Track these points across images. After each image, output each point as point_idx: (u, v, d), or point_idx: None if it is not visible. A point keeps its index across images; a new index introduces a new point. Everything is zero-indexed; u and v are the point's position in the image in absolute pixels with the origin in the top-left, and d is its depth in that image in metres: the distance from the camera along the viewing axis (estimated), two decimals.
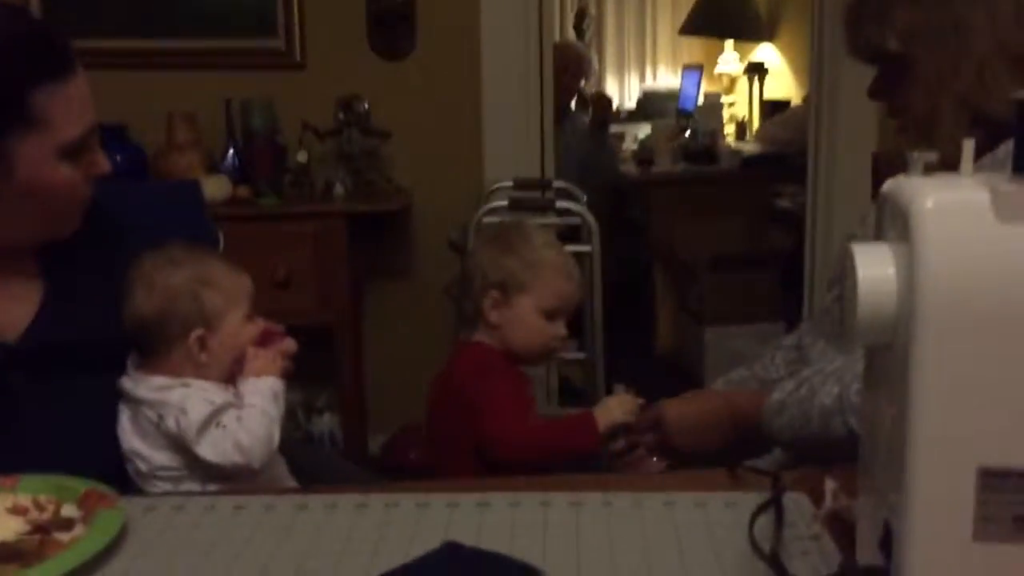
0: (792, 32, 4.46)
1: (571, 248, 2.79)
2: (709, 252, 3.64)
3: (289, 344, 1.16)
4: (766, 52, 4.63)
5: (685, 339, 3.79)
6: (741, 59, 4.74)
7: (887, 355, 0.63)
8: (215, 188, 2.59)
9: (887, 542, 0.63)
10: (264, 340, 1.14)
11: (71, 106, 1.03)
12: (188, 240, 1.27)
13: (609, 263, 3.19)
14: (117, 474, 1.07)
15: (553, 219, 2.81)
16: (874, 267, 0.61)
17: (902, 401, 0.59)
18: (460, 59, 2.87)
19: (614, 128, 4.53)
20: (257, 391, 1.09)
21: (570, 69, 3.60)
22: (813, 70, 3.09)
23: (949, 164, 0.63)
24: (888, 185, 0.64)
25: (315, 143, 2.79)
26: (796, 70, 4.44)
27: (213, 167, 2.74)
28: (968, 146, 0.61)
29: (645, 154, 4.17)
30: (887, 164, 1.98)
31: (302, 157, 2.76)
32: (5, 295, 1.09)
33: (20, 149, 1.01)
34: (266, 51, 2.80)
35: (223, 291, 1.12)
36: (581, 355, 3.00)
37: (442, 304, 3.01)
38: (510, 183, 2.81)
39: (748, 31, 4.61)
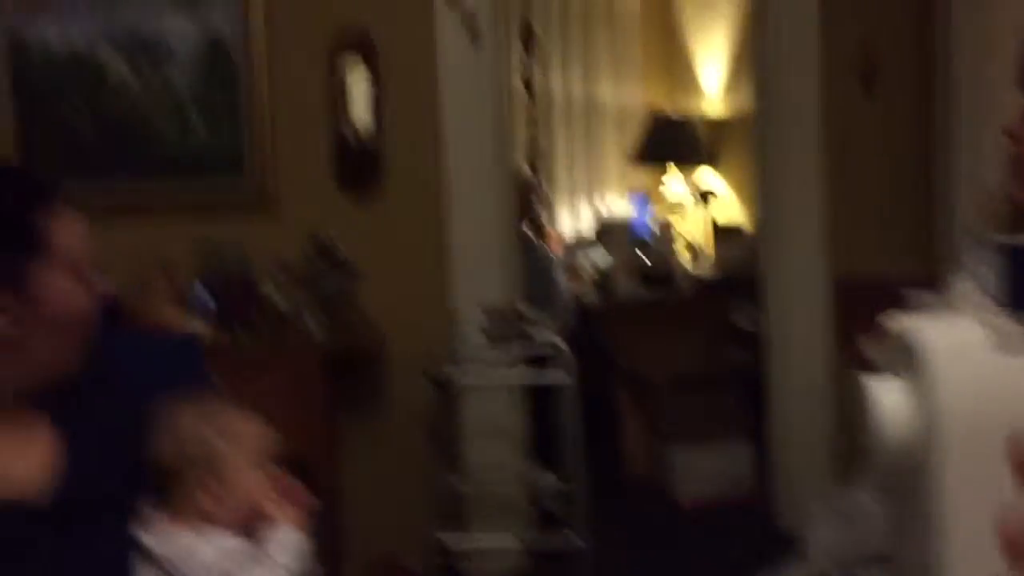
0: (734, 159, 4.69)
1: (544, 379, 2.86)
2: (667, 373, 3.73)
3: (304, 497, 1.17)
4: (710, 179, 4.84)
5: (654, 460, 3.82)
6: (687, 185, 4.94)
7: (906, 475, 0.68)
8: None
9: None
10: (281, 493, 1.15)
11: (69, 222, 1.09)
12: (187, 391, 1.30)
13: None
14: None
15: (526, 348, 2.87)
16: (888, 401, 0.67)
17: (924, 522, 0.65)
18: (426, 194, 2.98)
19: (572, 256, 4.66)
20: (278, 544, 1.10)
21: (523, 197, 3.73)
22: (759, 197, 3.26)
23: None
24: (898, 323, 0.71)
25: (287, 283, 2.84)
26: (740, 195, 4.65)
27: (187, 309, 2.76)
28: (964, 286, 0.68)
29: (604, 280, 4.28)
30: (850, 290, 2.10)
31: (275, 297, 2.80)
32: (21, 450, 1.10)
33: (39, 276, 1.05)
34: (235, 194, 2.88)
35: (235, 440, 1.15)
36: (560, 484, 3.02)
37: (416, 435, 3.02)
38: (480, 312, 2.87)
39: (692, 159, 4.83)
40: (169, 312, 2.70)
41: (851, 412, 0.72)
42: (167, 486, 1.13)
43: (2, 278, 1.03)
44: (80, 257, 1.09)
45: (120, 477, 1.15)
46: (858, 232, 3.05)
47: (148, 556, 1.11)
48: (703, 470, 3.59)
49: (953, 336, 0.65)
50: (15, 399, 1.10)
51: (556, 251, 4.38)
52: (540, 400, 3.21)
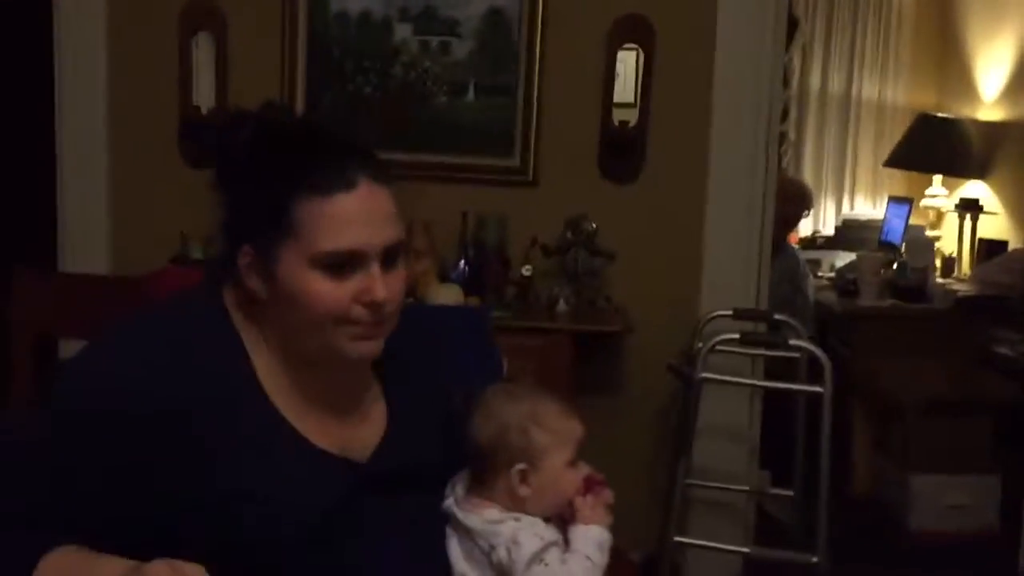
0: (1009, 170, 4.33)
1: (798, 387, 2.76)
2: (916, 393, 3.51)
3: (608, 495, 1.19)
4: (976, 189, 4.50)
5: (885, 483, 3.63)
6: (949, 194, 4.62)
7: None
8: (448, 296, 2.71)
9: None
10: (587, 487, 1.18)
11: (328, 222, 1.04)
12: (478, 365, 1.34)
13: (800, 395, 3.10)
14: None
15: (778, 353, 2.79)
16: None
17: None
18: (686, 186, 2.94)
19: (811, 254, 4.49)
20: (585, 537, 1.13)
21: (793, 202, 3.62)
22: None
23: None
24: None
25: (540, 258, 2.88)
26: (1012, 210, 4.29)
27: (444, 275, 2.87)
28: None
29: (847, 285, 4.09)
30: None
31: (527, 271, 2.86)
32: (358, 414, 1.17)
33: (279, 253, 1.06)
34: (502, 168, 2.94)
35: (552, 432, 1.17)
36: (789, 492, 2.93)
37: (649, 425, 3.01)
38: (727, 312, 2.81)
39: (958, 167, 4.51)
40: (425, 270, 2.80)
41: None
42: (483, 466, 1.17)
43: (255, 244, 1.07)
44: (326, 250, 1.04)
45: (435, 445, 1.20)
46: None
47: (456, 525, 1.16)
48: (943, 501, 3.38)
49: None
50: (359, 369, 1.17)
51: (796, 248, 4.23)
52: (770, 407, 3.12)
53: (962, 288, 4.00)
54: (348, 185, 1.05)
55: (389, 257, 1.08)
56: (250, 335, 1.11)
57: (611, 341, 2.95)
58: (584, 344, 2.83)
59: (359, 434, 1.15)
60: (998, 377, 3.52)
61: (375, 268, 1.06)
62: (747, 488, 2.97)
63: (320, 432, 1.12)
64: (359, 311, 1.07)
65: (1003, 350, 3.56)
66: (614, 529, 3.02)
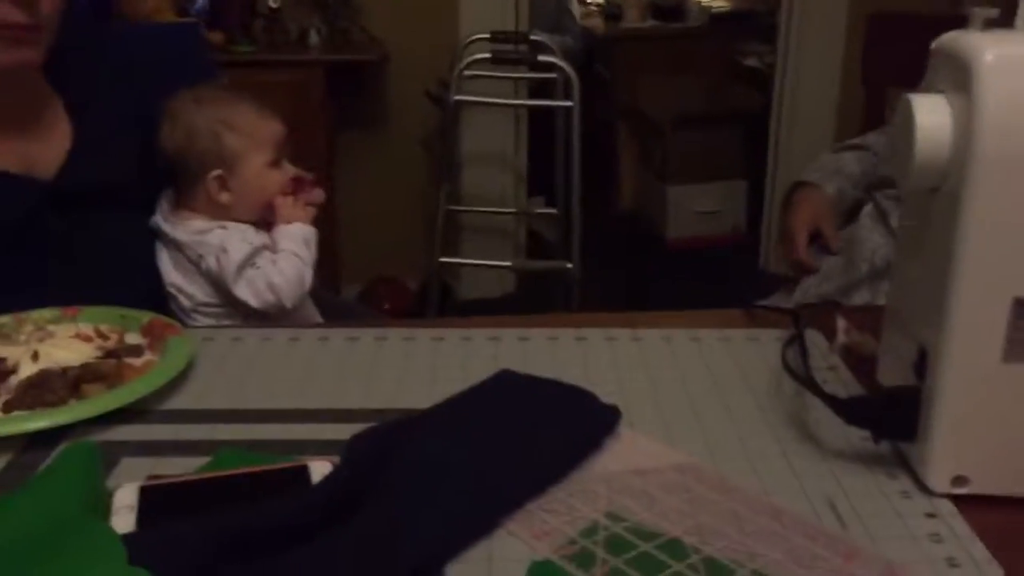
0: None
1: (550, 103, 2.82)
2: (673, 110, 3.68)
3: (317, 194, 1.18)
4: None
5: (647, 196, 3.86)
6: None
7: (932, 198, 0.69)
8: None
9: (921, 365, 0.70)
10: (295, 188, 1.16)
11: None
12: (188, 82, 1.27)
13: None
14: (157, 310, 1.10)
15: (532, 73, 2.81)
16: (931, 116, 0.66)
17: (948, 238, 0.66)
18: None
19: None
20: (288, 236, 1.13)
21: None
22: None
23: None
24: (944, 39, 0.69)
25: None
26: None
27: (182, 9, 2.66)
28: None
29: (612, 9, 4.12)
30: (884, 27, 2.03)
31: (274, 2, 2.69)
32: (38, 130, 1.09)
33: None
34: None
35: (245, 134, 1.14)
36: (553, 210, 3.07)
37: (415, 155, 3.02)
38: (486, 35, 2.78)
39: None
40: (157, 5, 2.59)
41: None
42: (181, 176, 1.14)
43: None
44: None
45: (131, 163, 1.15)
46: None
47: (165, 240, 1.14)
48: (696, 209, 3.65)
49: (1009, 51, 0.63)
50: (32, 82, 1.08)
51: None
52: (540, 131, 3.20)
53: (717, 5, 4.12)
54: None
55: None
56: None
57: (369, 72, 2.89)
58: (342, 78, 2.76)
59: (41, 151, 1.08)
60: (746, 88, 3.72)
61: None
62: (514, 210, 3.08)
63: None
64: (7, 9, 0.98)
65: (750, 62, 3.74)
66: (390, 259, 3.09)
